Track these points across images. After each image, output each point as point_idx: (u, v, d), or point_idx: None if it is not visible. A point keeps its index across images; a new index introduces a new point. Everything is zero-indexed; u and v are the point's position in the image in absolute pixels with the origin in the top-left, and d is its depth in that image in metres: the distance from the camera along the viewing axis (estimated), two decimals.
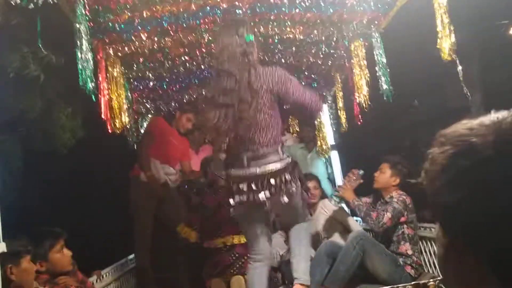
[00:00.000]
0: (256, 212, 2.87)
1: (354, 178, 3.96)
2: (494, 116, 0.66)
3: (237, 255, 4.01)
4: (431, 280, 3.14)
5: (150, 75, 4.30)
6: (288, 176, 2.78)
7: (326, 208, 4.37)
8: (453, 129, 0.68)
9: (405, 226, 3.68)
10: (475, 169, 0.61)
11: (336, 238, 4.20)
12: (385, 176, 3.82)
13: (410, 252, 3.65)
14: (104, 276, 3.60)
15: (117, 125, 3.68)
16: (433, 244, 3.77)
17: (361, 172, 3.95)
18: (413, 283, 3.46)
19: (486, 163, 0.60)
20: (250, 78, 2.67)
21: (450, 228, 0.65)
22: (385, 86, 3.64)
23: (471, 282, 0.64)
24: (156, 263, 4.28)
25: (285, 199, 2.77)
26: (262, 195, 2.70)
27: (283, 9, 3.49)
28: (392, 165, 3.83)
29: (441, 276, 0.76)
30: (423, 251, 3.89)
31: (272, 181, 2.73)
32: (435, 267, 3.75)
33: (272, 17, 3.60)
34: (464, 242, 0.62)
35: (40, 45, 2.86)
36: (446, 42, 2.74)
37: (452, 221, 0.64)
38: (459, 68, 2.74)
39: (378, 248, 3.59)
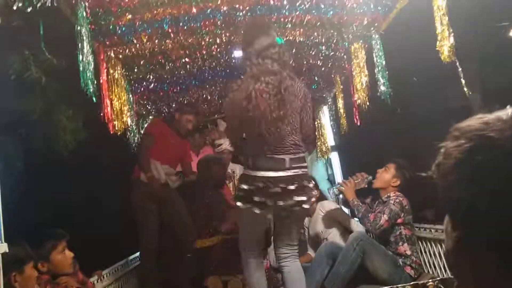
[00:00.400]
0: (272, 213, 2.88)
1: (360, 180, 3.99)
2: (510, 110, 0.65)
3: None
4: (430, 280, 3.14)
5: (151, 77, 4.31)
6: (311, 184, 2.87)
7: (324, 210, 4.38)
8: (468, 123, 0.67)
9: (402, 227, 3.71)
10: (493, 164, 0.60)
11: (336, 238, 4.21)
12: (388, 175, 3.88)
13: (408, 252, 3.67)
14: (105, 276, 3.61)
15: (118, 127, 3.69)
16: (433, 245, 3.78)
17: (370, 178, 3.98)
18: (412, 283, 3.47)
19: (504, 158, 0.60)
20: (287, 82, 2.77)
21: (464, 222, 0.64)
22: (383, 88, 3.65)
23: (483, 275, 0.63)
24: (159, 263, 4.29)
25: (307, 205, 2.82)
26: (300, 198, 2.74)
27: (283, 11, 3.50)
28: (398, 167, 3.88)
29: (448, 269, 0.75)
30: (423, 251, 3.90)
31: (307, 184, 2.81)
32: (435, 267, 3.76)
33: (272, 19, 3.60)
34: (478, 236, 0.62)
35: (44, 48, 2.87)
36: (445, 44, 2.75)
37: (467, 215, 0.63)
38: (459, 69, 2.75)
39: (378, 249, 3.61)
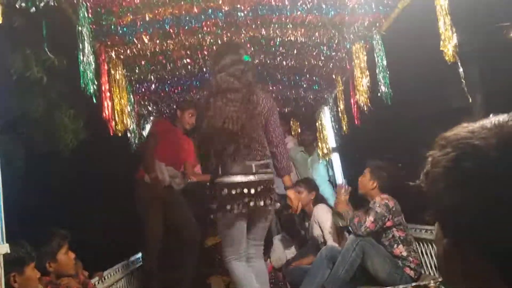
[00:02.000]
0: (251, 215, 3.08)
1: (343, 191, 4.07)
2: (494, 119, 0.67)
3: None
4: (432, 281, 3.15)
5: (152, 77, 4.31)
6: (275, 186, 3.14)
7: (317, 216, 4.32)
8: (454, 132, 0.69)
9: (394, 229, 3.71)
10: (480, 171, 0.62)
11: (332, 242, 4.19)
12: (364, 179, 3.91)
13: (405, 253, 3.67)
14: (106, 277, 3.61)
15: (119, 127, 3.69)
16: (429, 245, 3.78)
17: (349, 188, 4.10)
18: (413, 284, 3.47)
19: (490, 165, 0.62)
20: (251, 95, 3.03)
21: (454, 229, 0.66)
22: (384, 89, 3.65)
23: (475, 281, 0.64)
24: (162, 263, 4.30)
25: (278, 205, 3.15)
26: (266, 201, 3.01)
27: (285, 11, 3.50)
28: (372, 169, 3.91)
29: (440, 276, 0.77)
30: (424, 253, 3.89)
31: (272, 187, 3.08)
32: (435, 268, 3.76)
33: (273, 20, 3.61)
34: (469, 242, 0.63)
35: (46, 48, 2.87)
36: (449, 44, 2.74)
37: (456, 222, 0.64)
38: (461, 70, 2.74)
39: (378, 249, 3.61)
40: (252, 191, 2.96)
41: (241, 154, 3.00)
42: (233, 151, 3.00)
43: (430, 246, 3.83)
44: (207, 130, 3.05)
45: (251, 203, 2.96)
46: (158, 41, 3.66)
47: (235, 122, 2.96)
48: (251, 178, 2.98)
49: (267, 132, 3.14)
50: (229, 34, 3.76)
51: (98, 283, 3.43)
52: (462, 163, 0.64)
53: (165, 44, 3.73)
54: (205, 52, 4.03)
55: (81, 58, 2.87)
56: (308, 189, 4.45)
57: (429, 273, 3.79)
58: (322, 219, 4.28)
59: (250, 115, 3.01)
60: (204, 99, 3.17)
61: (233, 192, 2.95)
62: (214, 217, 3.08)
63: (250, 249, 3.15)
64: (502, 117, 0.67)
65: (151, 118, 5.07)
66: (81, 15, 2.86)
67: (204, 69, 4.50)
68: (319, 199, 4.54)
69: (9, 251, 2.00)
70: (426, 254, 3.89)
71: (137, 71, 4.11)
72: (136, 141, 4.28)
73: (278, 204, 3.17)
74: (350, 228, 3.78)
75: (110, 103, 3.49)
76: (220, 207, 3.00)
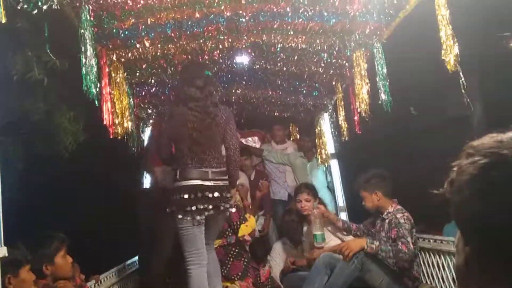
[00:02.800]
0: (211, 221, 3.33)
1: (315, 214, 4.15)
2: None
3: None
4: None
5: (152, 80, 4.32)
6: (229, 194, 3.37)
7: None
8: (481, 141, 0.69)
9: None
10: (507, 180, 0.62)
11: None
12: (366, 199, 3.86)
13: (407, 266, 3.65)
14: (102, 281, 3.60)
15: (119, 130, 3.69)
16: (432, 255, 3.77)
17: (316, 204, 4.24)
18: None
19: None
20: (211, 106, 3.33)
21: (477, 238, 0.65)
22: (384, 97, 3.66)
23: None
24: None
25: (233, 209, 3.44)
26: (222, 205, 3.26)
27: (286, 18, 3.52)
28: (366, 187, 3.88)
29: (458, 285, 0.77)
30: (421, 262, 3.88)
31: (228, 194, 3.32)
32: (433, 278, 3.75)
33: (275, 26, 3.62)
34: (491, 251, 0.63)
35: (48, 51, 2.87)
36: (451, 54, 2.75)
37: (480, 231, 0.64)
38: (462, 79, 2.75)
39: (377, 263, 3.59)
40: (210, 195, 3.19)
41: (198, 161, 3.25)
42: (191, 157, 3.25)
43: (428, 255, 3.83)
44: (168, 136, 3.36)
45: (209, 207, 3.20)
46: (159, 45, 3.67)
47: (194, 130, 3.25)
48: (208, 183, 3.22)
49: (225, 139, 3.41)
50: (230, 40, 3.77)
51: (94, 286, 3.41)
52: (489, 172, 0.64)
53: (166, 48, 3.73)
54: (206, 57, 4.04)
55: (84, 60, 2.88)
56: (314, 197, 4.46)
57: (426, 283, 3.78)
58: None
59: (209, 124, 3.29)
60: (168, 107, 3.50)
61: (192, 196, 3.17)
62: (175, 220, 3.23)
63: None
64: None
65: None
66: (83, 18, 2.87)
67: None
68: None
69: (6, 255, 2.00)
70: (423, 262, 3.89)
71: (138, 74, 4.11)
72: (135, 144, 4.27)
73: (234, 210, 3.47)
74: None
75: (110, 106, 3.49)
76: (179, 210, 3.19)
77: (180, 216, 3.20)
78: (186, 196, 3.17)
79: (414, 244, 3.57)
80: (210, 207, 3.20)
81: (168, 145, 3.40)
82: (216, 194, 3.21)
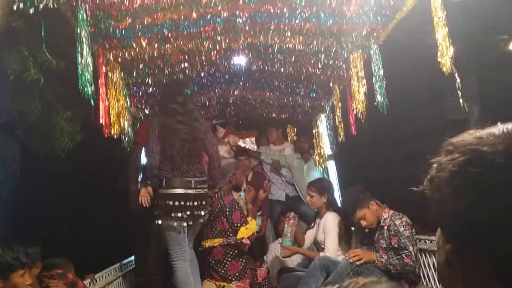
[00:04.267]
0: (192, 224, 3.67)
1: (291, 223, 4.31)
2: (502, 126, 0.68)
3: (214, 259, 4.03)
4: None
5: (149, 81, 4.32)
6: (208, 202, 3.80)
7: (325, 223, 4.36)
8: (460, 138, 0.69)
9: None
10: (486, 176, 0.62)
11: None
12: (369, 216, 3.81)
13: (411, 275, 3.64)
14: (98, 280, 3.59)
15: (115, 129, 3.69)
16: (427, 255, 3.78)
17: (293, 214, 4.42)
18: None
19: (497, 170, 0.62)
20: (194, 121, 3.74)
21: (457, 235, 0.65)
22: (380, 98, 3.66)
23: (475, 287, 0.64)
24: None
25: (204, 218, 3.78)
26: (201, 212, 3.66)
27: (283, 19, 3.52)
28: (361, 204, 3.83)
29: (440, 282, 0.77)
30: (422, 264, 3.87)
31: (205, 201, 3.71)
32: (429, 279, 3.75)
33: (272, 27, 3.63)
34: (472, 248, 0.63)
35: (45, 50, 2.87)
36: (447, 55, 2.76)
37: (460, 228, 0.64)
38: (458, 80, 2.75)
39: (373, 269, 3.60)
40: (190, 203, 3.57)
41: (183, 171, 3.61)
42: (177, 167, 3.60)
43: (423, 256, 3.83)
44: (160, 147, 3.62)
45: (192, 213, 3.58)
46: (156, 45, 3.66)
47: (185, 142, 3.63)
48: (190, 192, 3.60)
49: (207, 149, 3.82)
50: (227, 40, 3.78)
51: (90, 285, 3.40)
52: (469, 169, 0.64)
53: (163, 48, 3.73)
54: (203, 57, 4.05)
55: (79, 60, 2.87)
56: (320, 193, 4.44)
57: (422, 283, 3.78)
58: (329, 227, 4.31)
59: (194, 138, 3.68)
60: (154, 120, 3.77)
61: (176, 203, 3.55)
62: (160, 223, 3.60)
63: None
64: (510, 125, 0.67)
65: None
66: (80, 17, 2.87)
67: (202, 74, 4.51)
68: (332, 203, 4.54)
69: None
70: (420, 264, 3.88)
71: (134, 74, 4.11)
72: (131, 144, 4.26)
73: (207, 215, 3.83)
74: (405, 271, 3.56)
75: (106, 106, 3.49)
76: (164, 215, 3.58)
77: (164, 221, 3.59)
78: (170, 203, 3.55)
79: (415, 251, 3.57)
80: (189, 213, 3.58)
81: (158, 154, 3.63)
82: (196, 203, 3.61)
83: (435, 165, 0.70)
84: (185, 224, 3.60)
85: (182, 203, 3.55)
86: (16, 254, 2.31)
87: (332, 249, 4.23)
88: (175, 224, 3.58)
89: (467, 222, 0.62)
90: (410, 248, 3.54)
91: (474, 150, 0.65)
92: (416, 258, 3.55)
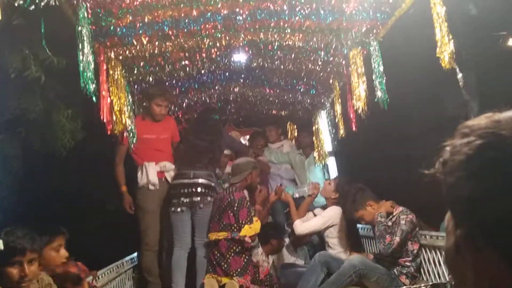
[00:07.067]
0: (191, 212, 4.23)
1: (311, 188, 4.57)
2: None
3: (218, 252, 4.05)
4: (423, 285, 3.16)
5: (150, 78, 4.32)
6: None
7: (325, 211, 4.42)
8: (477, 121, 0.66)
9: (409, 242, 3.69)
10: (504, 161, 0.59)
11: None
12: (367, 216, 3.86)
13: (408, 263, 3.67)
14: (100, 277, 3.61)
15: (117, 127, 3.70)
16: (428, 251, 3.79)
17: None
18: (405, 287, 3.49)
19: None
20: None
21: (469, 220, 0.63)
22: (380, 94, 3.67)
23: (485, 274, 0.62)
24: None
25: (201, 205, 4.21)
26: (196, 198, 4.18)
27: (283, 16, 3.53)
28: (357, 206, 3.87)
29: (447, 268, 0.73)
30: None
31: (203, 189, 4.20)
32: (429, 274, 3.77)
33: (272, 24, 3.64)
34: (484, 234, 0.60)
35: (45, 46, 2.88)
36: (446, 51, 2.77)
37: (473, 212, 0.62)
38: (459, 76, 2.76)
39: (376, 271, 3.62)
40: (187, 190, 4.16)
41: (187, 167, 4.27)
42: (184, 165, 4.29)
43: (424, 251, 3.84)
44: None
45: (189, 200, 4.16)
46: (157, 43, 3.68)
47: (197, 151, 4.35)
48: (185, 181, 4.19)
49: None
50: (227, 38, 3.78)
51: (92, 282, 3.42)
52: (486, 152, 0.61)
53: (163, 46, 3.74)
54: (204, 55, 4.05)
55: (81, 58, 2.88)
56: (337, 189, 4.45)
57: (421, 278, 3.80)
58: (324, 212, 4.41)
59: (204, 148, 4.39)
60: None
61: (175, 191, 4.23)
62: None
63: (194, 242, 4.27)
64: None
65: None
66: (81, 15, 2.88)
67: (202, 71, 4.52)
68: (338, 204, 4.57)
69: (2, 248, 1.99)
70: (422, 259, 3.90)
71: (135, 72, 4.12)
72: (133, 142, 4.27)
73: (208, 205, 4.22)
74: (379, 245, 3.70)
75: (108, 103, 3.50)
76: (169, 202, 4.23)
77: (170, 207, 4.22)
78: (172, 191, 4.24)
79: (399, 243, 3.59)
80: (187, 200, 4.16)
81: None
82: (194, 189, 4.16)
83: (448, 148, 0.67)
84: (179, 209, 4.16)
85: (182, 190, 4.18)
86: (18, 238, 2.18)
87: (309, 225, 4.36)
88: (172, 209, 4.19)
89: (481, 207, 0.60)
90: (397, 239, 3.57)
91: (492, 133, 0.62)
92: (391, 247, 3.58)
